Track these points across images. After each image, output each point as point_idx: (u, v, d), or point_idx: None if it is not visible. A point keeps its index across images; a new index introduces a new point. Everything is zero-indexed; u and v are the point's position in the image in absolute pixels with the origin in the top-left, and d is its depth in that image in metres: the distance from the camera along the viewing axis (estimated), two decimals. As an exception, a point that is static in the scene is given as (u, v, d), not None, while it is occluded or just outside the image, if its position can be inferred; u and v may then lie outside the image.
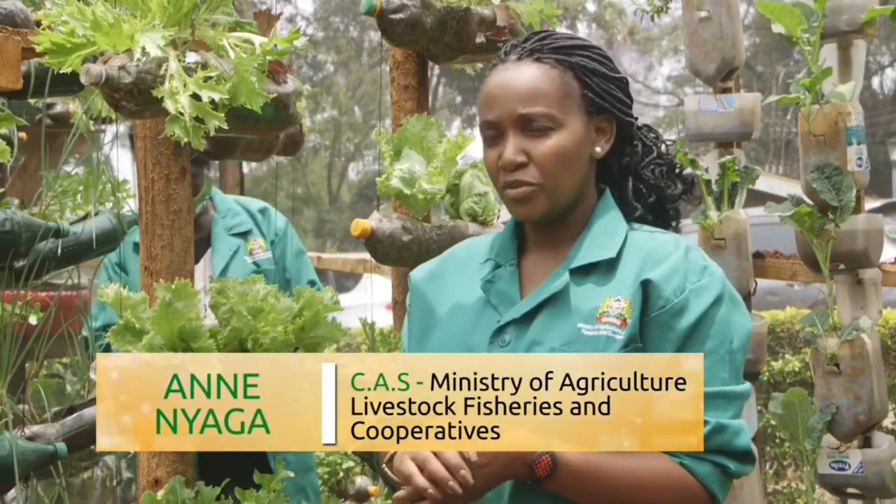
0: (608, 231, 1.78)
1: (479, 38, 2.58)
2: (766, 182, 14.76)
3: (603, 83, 1.79)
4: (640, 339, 1.69)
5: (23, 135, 3.03)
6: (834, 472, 3.48)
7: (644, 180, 1.85)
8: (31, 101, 2.91)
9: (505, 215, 2.69)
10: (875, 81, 25.48)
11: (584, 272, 1.75)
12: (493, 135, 1.76)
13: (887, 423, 5.52)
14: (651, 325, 1.69)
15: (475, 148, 2.19)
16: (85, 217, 2.90)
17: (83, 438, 2.67)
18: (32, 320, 2.79)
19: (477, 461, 1.59)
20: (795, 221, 3.40)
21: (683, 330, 1.68)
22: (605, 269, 1.75)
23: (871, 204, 11.93)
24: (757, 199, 6.45)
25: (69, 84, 2.60)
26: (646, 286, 1.69)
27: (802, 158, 3.52)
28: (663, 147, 1.88)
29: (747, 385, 1.73)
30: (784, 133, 22.63)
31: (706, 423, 1.66)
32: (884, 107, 24.12)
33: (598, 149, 1.79)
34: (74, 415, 2.67)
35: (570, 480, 1.63)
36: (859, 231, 3.45)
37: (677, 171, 1.88)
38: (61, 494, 2.73)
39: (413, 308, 1.91)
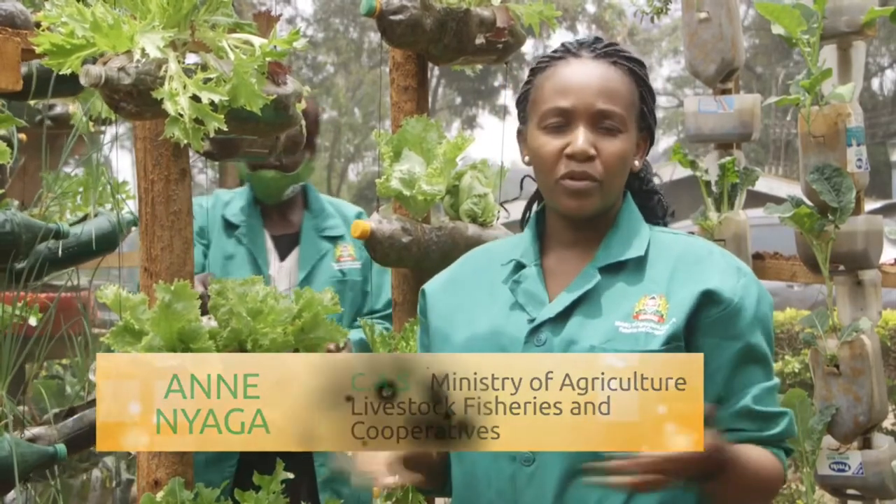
0: (634, 231, 1.82)
1: (479, 40, 2.58)
2: (766, 183, 14.79)
3: (652, 104, 1.85)
4: (691, 338, 1.72)
5: (22, 136, 3.03)
6: (834, 473, 3.48)
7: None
8: (31, 102, 2.91)
9: (504, 216, 2.69)
10: (875, 82, 25.51)
11: (614, 271, 1.78)
12: (561, 123, 1.76)
13: (887, 424, 5.52)
14: (712, 326, 1.73)
15: (475, 149, 2.20)
16: (84, 218, 2.89)
17: (84, 440, 2.67)
18: (32, 322, 2.78)
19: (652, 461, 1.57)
20: (795, 222, 3.40)
21: (744, 327, 1.73)
22: (633, 267, 1.78)
23: (870, 205, 11.94)
24: (757, 200, 6.45)
25: (69, 85, 2.60)
26: (707, 294, 1.72)
27: (802, 159, 3.52)
28: (655, 180, 1.94)
29: None
30: (784, 134, 22.65)
31: (785, 414, 1.76)
32: (883, 108, 24.14)
33: (636, 162, 1.84)
34: (75, 416, 2.67)
35: (730, 473, 1.64)
36: (859, 232, 3.45)
37: (662, 200, 1.94)
38: (56, 497, 2.73)
39: (430, 317, 1.91)
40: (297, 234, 3.04)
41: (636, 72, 1.82)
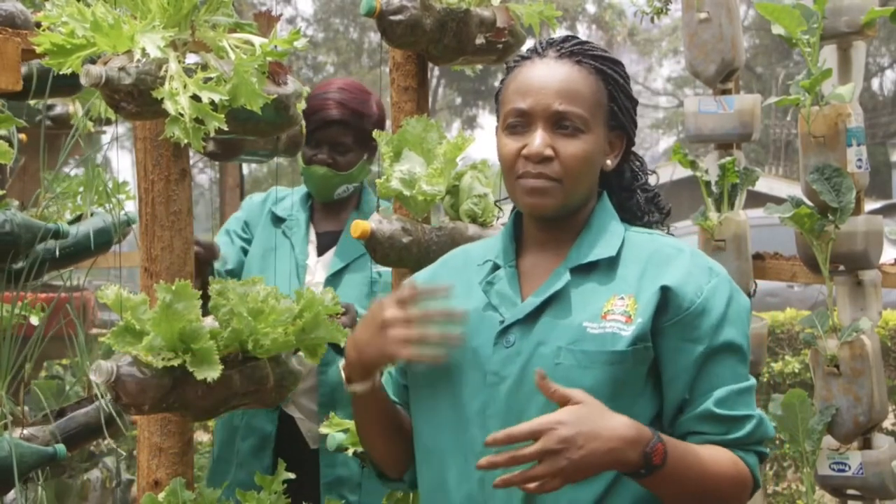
0: (607, 231, 1.81)
1: (479, 40, 2.58)
2: (766, 183, 14.79)
3: (626, 101, 1.83)
4: (656, 340, 1.71)
5: (23, 136, 3.02)
6: (834, 473, 3.48)
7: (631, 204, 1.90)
8: (31, 102, 2.91)
9: (505, 217, 2.69)
10: (875, 83, 25.52)
11: (585, 271, 1.77)
12: (520, 123, 1.76)
13: (887, 424, 5.52)
14: (674, 328, 1.71)
15: (475, 149, 2.19)
16: (79, 218, 2.89)
17: (75, 440, 2.66)
18: (34, 321, 2.78)
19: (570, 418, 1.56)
20: (795, 223, 3.40)
21: (708, 329, 1.71)
22: (605, 268, 1.77)
23: (870, 205, 11.95)
24: (757, 200, 6.46)
25: (69, 85, 2.60)
26: (665, 292, 1.71)
27: (802, 160, 3.52)
28: (651, 178, 1.94)
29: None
30: (784, 134, 22.65)
31: (751, 417, 1.71)
32: (883, 108, 24.15)
33: (608, 161, 1.83)
34: (66, 417, 2.66)
35: (672, 469, 1.62)
36: (859, 232, 3.45)
37: (657, 199, 1.91)
38: (43, 498, 2.73)
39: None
40: (340, 231, 3.00)
41: (604, 70, 1.80)
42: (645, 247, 1.78)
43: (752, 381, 1.75)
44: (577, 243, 1.79)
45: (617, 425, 1.58)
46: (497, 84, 1.89)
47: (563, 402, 1.58)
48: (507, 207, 2.64)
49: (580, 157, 1.75)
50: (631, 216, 1.88)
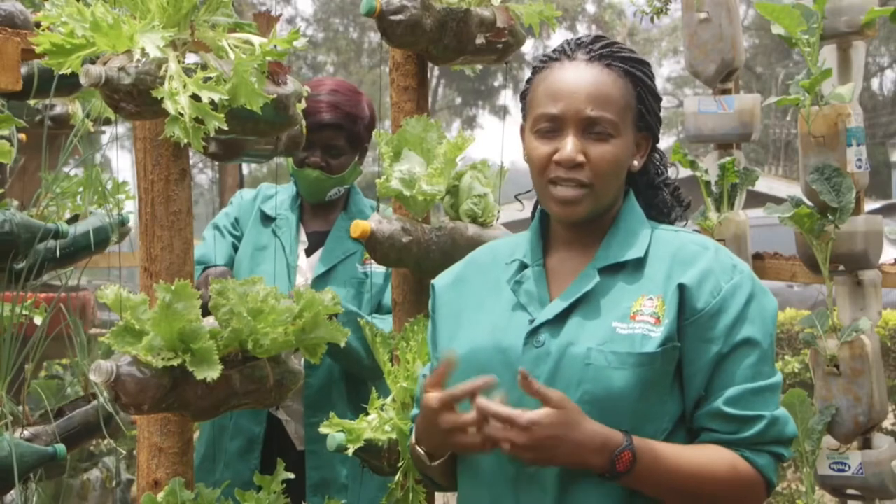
0: (635, 231, 1.81)
1: (479, 40, 2.58)
2: (766, 183, 14.80)
3: (653, 103, 1.84)
4: (679, 338, 1.71)
5: (22, 136, 3.02)
6: (834, 473, 3.48)
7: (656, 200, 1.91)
8: (31, 102, 2.91)
9: (505, 216, 2.69)
10: (875, 83, 25.54)
11: (613, 271, 1.78)
12: (551, 128, 1.77)
13: (887, 424, 5.52)
14: (692, 327, 1.72)
15: (475, 149, 2.19)
16: (76, 217, 2.89)
17: (74, 440, 2.66)
18: (37, 321, 2.78)
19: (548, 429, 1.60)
20: (795, 222, 3.40)
21: (724, 329, 1.71)
22: (633, 267, 1.78)
23: (870, 205, 11.94)
24: (757, 200, 6.46)
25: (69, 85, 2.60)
26: (682, 290, 1.71)
27: (802, 159, 3.52)
28: (671, 171, 1.92)
29: (779, 372, 1.78)
30: (784, 134, 22.66)
31: (762, 417, 1.71)
32: (883, 108, 24.16)
33: (635, 162, 1.84)
34: (64, 417, 2.66)
35: (645, 474, 1.64)
36: (859, 232, 3.45)
37: (678, 192, 1.93)
38: (63, 494, 2.73)
39: (438, 314, 1.92)
40: (329, 232, 3.00)
41: (633, 72, 1.81)
42: (670, 244, 1.79)
43: (774, 378, 1.74)
44: (605, 243, 1.80)
45: (585, 434, 1.62)
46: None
47: (543, 400, 1.62)
48: (503, 210, 2.65)
49: (611, 161, 1.76)
50: (658, 213, 1.89)
